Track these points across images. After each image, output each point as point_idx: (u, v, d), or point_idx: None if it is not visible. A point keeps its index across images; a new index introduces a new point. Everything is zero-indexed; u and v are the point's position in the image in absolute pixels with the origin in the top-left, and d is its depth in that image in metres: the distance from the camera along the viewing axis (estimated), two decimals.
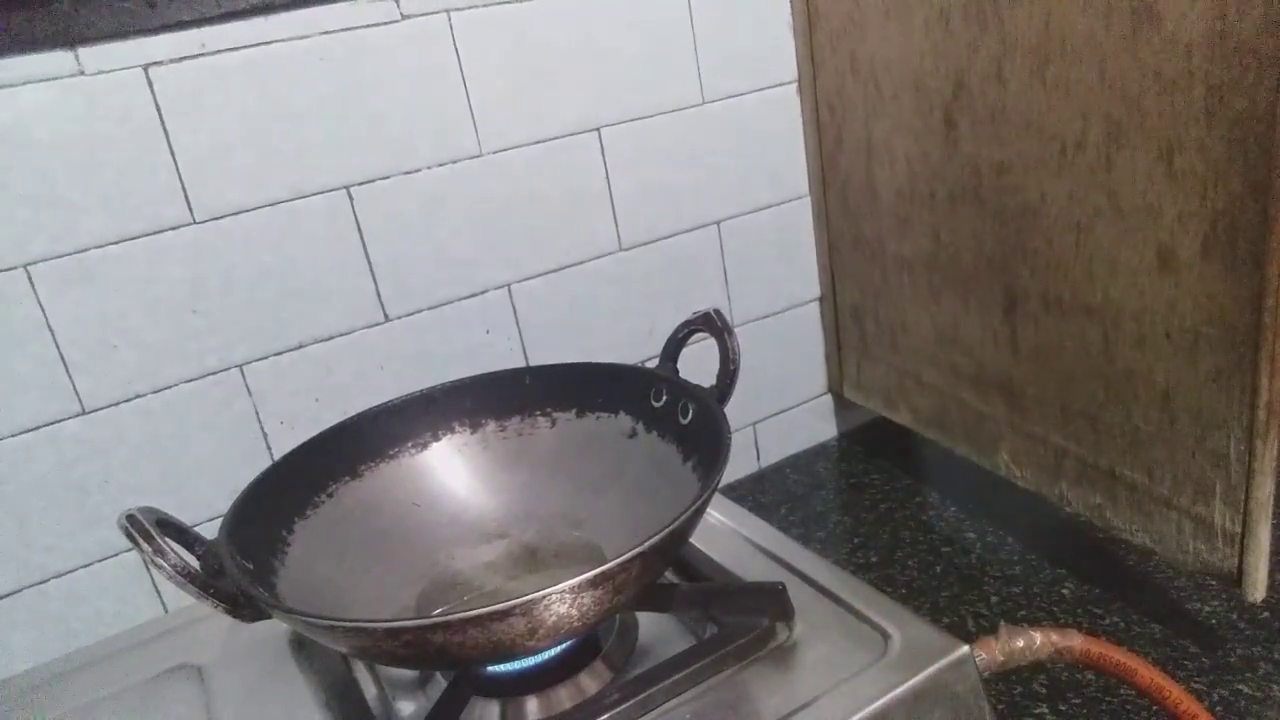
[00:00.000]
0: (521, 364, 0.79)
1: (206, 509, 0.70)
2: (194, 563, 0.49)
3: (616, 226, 0.81)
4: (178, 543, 0.49)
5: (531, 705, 0.52)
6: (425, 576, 0.60)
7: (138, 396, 0.66)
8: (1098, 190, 0.62)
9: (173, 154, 0.64)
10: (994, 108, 0.68)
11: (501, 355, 0.79)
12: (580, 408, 0.66)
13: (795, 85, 0.87)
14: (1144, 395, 0.63)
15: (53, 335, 0.63)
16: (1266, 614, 0.67)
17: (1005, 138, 0.68)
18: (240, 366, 0.69)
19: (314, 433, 0.62)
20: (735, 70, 0.83)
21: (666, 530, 0.46)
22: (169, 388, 0.67)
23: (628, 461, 0.63)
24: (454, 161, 0.73)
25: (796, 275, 0.92)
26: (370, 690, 0.56)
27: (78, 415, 0.64)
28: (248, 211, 0.67)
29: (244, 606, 0.48)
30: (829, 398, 0.98)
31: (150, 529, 0.46)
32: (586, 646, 0.55)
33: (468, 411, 0.67)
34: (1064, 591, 0.72)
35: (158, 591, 0.70)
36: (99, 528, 0.66)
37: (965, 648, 0.50)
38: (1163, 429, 0.63)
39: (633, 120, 0.79)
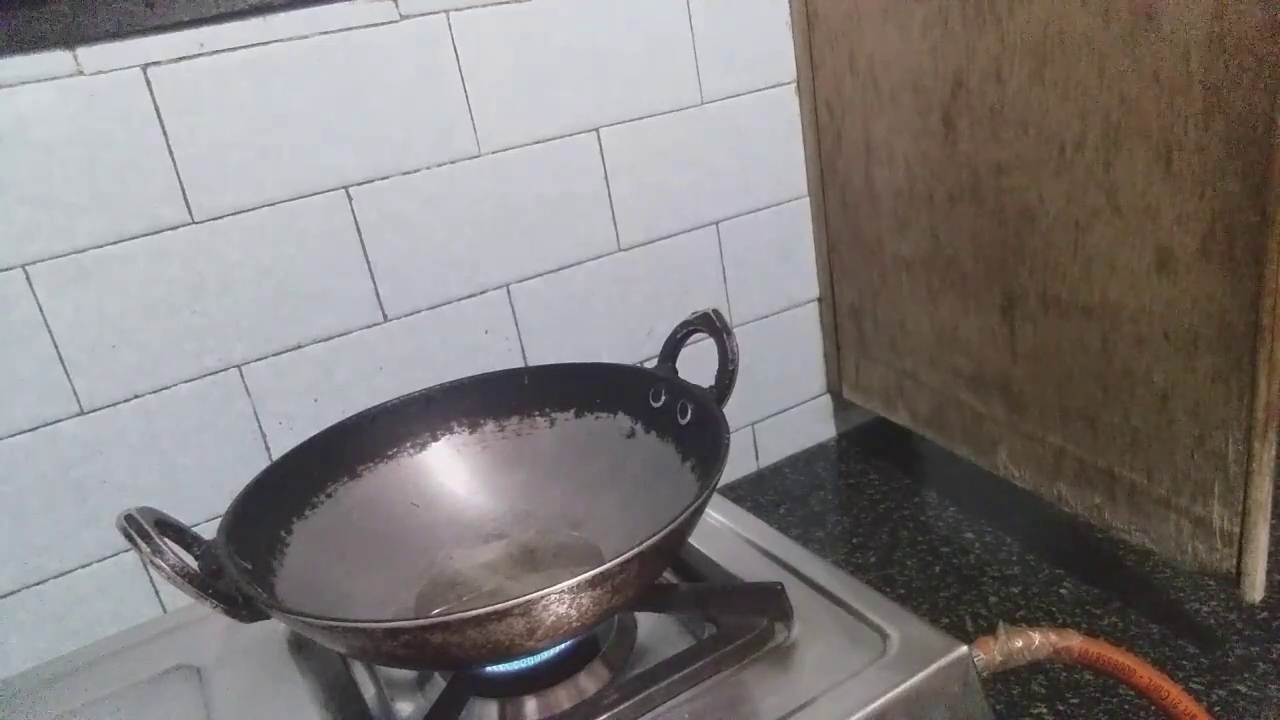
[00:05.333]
0: (520, 364, 0.79)
1: (205, 509, 0.70)
2: (192, 563, 0.49)
3: (615, 227, 0.81)
4: (176, 543, 0.49)
5: (530, 705, 0.52)
6: (424, 577, 0.60)
7: (136, 397, 0.66)
8: (1096, 191, 0.62)
9: (171, 154, 0.64)
10: (993, 108, 0.68)
11: (500, 355, 0.79)
12: (579, 408, 0.66)
13: (794, 85, 0.87)
14: (1142, 396, 0.64)
15: (51, 335, 0.63)
16: (1265, 614, 0.67)
17: (1004, 138, 0.68)
18: (239, 367, 0.69)
19: (313, 433, 0.62)
20: (734, 70, 0.83)
21: (665, 531, 0.46)
22: (167, 388, 0.67)
23: (626, 462, 0.63)
24: (453, 162, 0.73)
25: (795, 276, 0.92)
26: (369, 690, 0.56)
27: (76, 415, 0.64)
28: (246, 212, 0.67)
29: (242, 607, 0.48)
30: (828, 398, 0.99)
31: (149, 529, 0.46)
32: (585, 647, 0.55)
33: (466, 412, 0.67)
34: (1062, 592, 0.72)
35: (156, 592, 0.70)
36: (97, 528, 0.66)
37: (964, 648, 0.50)
38: (1161, 429, 0.63)
39: (632, 120, 0.79)
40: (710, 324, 0.62)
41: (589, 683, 0.53)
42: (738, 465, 0.94)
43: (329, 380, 0.72)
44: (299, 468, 0.60)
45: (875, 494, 0.89)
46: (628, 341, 0.84)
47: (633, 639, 0.56)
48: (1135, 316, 0.62)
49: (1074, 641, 0.51)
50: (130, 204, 0.63)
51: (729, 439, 0.54)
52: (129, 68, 0.61)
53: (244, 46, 0.64)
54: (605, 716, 0.48)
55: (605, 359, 0.83)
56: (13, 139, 0.59)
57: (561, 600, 0.44)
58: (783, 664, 0.51)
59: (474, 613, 0.42)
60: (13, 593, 0.65)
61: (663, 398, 0.62)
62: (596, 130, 0.78)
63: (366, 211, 0.70)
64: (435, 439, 0.66)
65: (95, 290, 0.63)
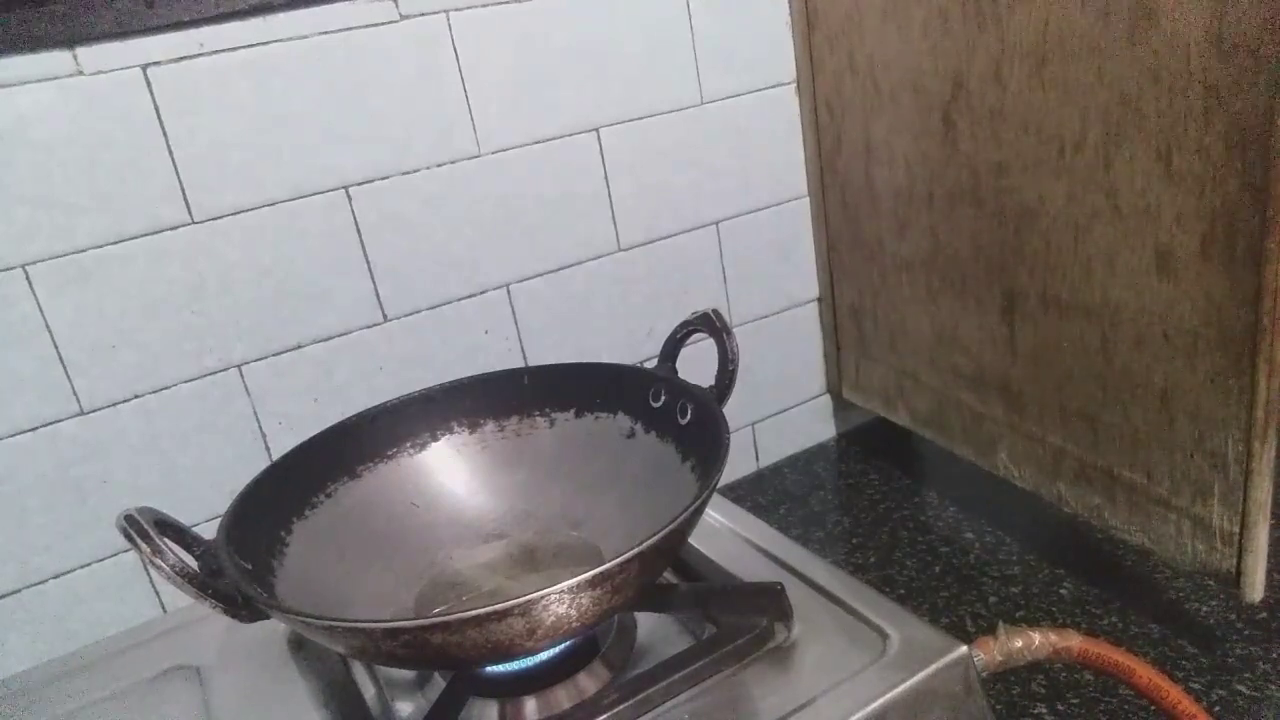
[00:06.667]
0: (520, 364, 0.79)
1: (205, 509, 0.70)
2: (192, 563, 0.49)
3: (615, 227, 0.81)
4: (176, 543, 0.49)
5: (530, 706, 0.52)
6: (424, 577, 0.60)
7: (136, 397, 0.66)
8: (1096, 191, 0.62)
9: (171, 154, 0.64)
10: (993, 108, 0.68)
11: (500, 355, 0.79)
12: (579, 408, 0.66)
13: (794, 85, 0.87)
14: (1142, 396, 0.64)
15: (51, 335, 0.63)
16: (1264, 614, 0.67)
17: (1004, 138, 0.68)
18: (239, 367, 0.69)
19: (313, 433, 0.62)
20: (734, 70, 0.83)
21: (665, 531, 0.46)
22: (167, 388, 0.67)
23: (626, 462, 0.63)
24: (453, 162, 0.73)
25: (795, 276, 0.92)
26: (369, 690, 0.56)
27: (76, 415, 0.64)
28: (246, 212, 0.67)
29: (242, 607, 0.48)
30: (828, 398, 0.99)
31: (149, 529, 0.46)
32: (585, 647, 0.55)
33: (466, 411, 0.67)
34: (1062, 592, 0.72)
35: (156, 592, 0.70)
36: (97, 528, 0.66)
37: (964, 648, 0.50)
38: (1161, 429, 0.63)
39: (632, 121, 0.79)
40: (710, 324, 0.62)
41: (589, 683, 0.53)
42: (738, 465, 0.94)
43: (329, 380, 0.72)
44: (299, 467, 0.60)
45: (875, 494, 0.89)
46: (628, 341, 0.84)
47: (633, 639, 0.56)
48: (1135, 316, 0.62)
49: (1074, 641, 0.51)
50: (130, 204, 0.63)
51: (729, 439, 0.54)
52: (129, 68, 0.61)
53: (244, 46, 0.64)
54: (605, 716, 0.48)
55: (605, 359, 0.83)
56: (13, 139, 0.59)
57: (561, 600, 0.44)
58: (783, 664, 0.51)
59: (474, 613, 0.42)
60: (13, 593, 0.65)
61: (663, 398, 0.62)
62: (596, 130, 0.78)
63: (366, 211, 0.70)
64: (435, 439, 0.66)
65: (95, 290, 0.63)
